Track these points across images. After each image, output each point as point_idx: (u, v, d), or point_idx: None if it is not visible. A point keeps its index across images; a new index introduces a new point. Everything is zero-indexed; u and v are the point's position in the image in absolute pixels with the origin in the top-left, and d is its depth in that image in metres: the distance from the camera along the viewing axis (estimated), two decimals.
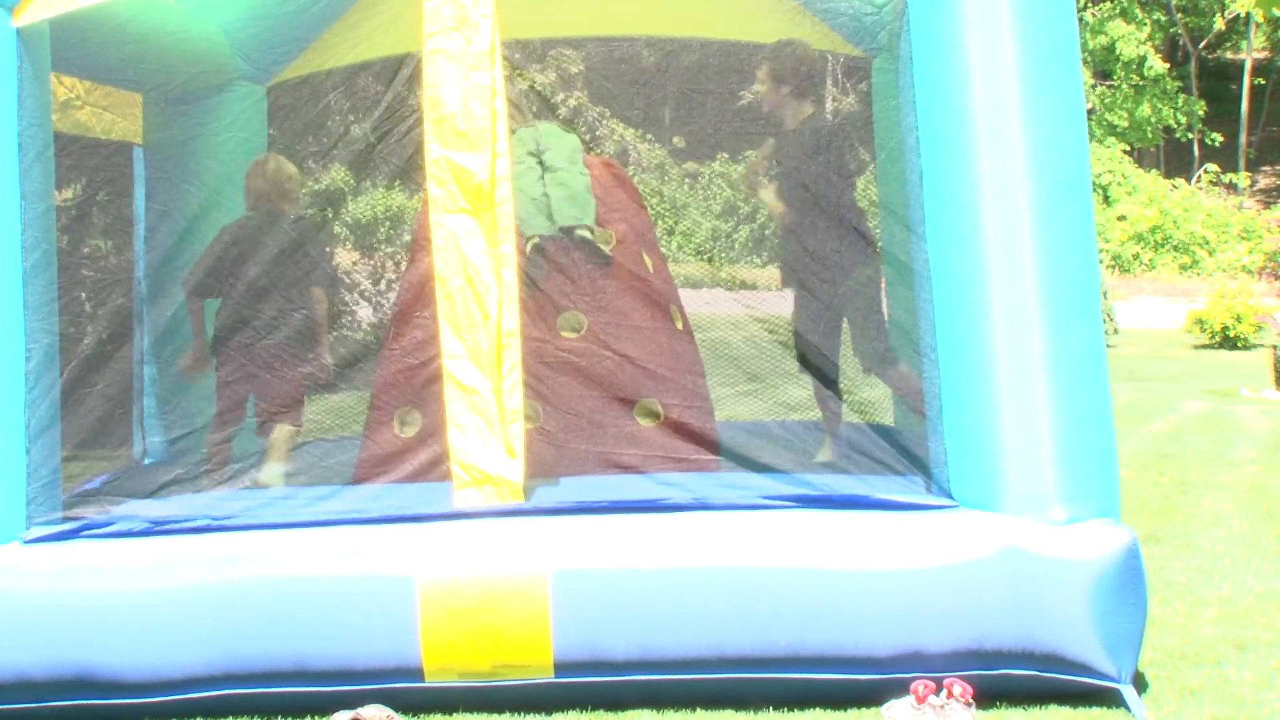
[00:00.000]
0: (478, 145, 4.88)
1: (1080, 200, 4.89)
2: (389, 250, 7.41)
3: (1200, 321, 22.03)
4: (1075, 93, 4.93)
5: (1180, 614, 5.82)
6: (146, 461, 6.18)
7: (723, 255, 7.16)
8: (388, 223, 7.49)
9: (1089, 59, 37.77)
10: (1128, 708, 4.57)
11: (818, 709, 4.67)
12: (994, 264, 4.76)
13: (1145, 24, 39.31)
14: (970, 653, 4.64)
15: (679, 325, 6.02)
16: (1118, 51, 38.82)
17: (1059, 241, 4.79)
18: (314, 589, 4.71)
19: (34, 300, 4.86)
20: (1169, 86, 39.56)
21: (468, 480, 4.88)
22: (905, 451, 5.10)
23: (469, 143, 4.88)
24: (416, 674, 4.70)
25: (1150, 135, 38.82)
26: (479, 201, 4.88)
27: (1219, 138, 39.63)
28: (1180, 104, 39.52)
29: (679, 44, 6.48)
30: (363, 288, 7.44)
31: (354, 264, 7.32)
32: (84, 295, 5.63)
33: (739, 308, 6.33)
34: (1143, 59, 38.74)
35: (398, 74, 5.45)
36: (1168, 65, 40.94)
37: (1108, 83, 39.44)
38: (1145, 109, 38.44)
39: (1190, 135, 40.26)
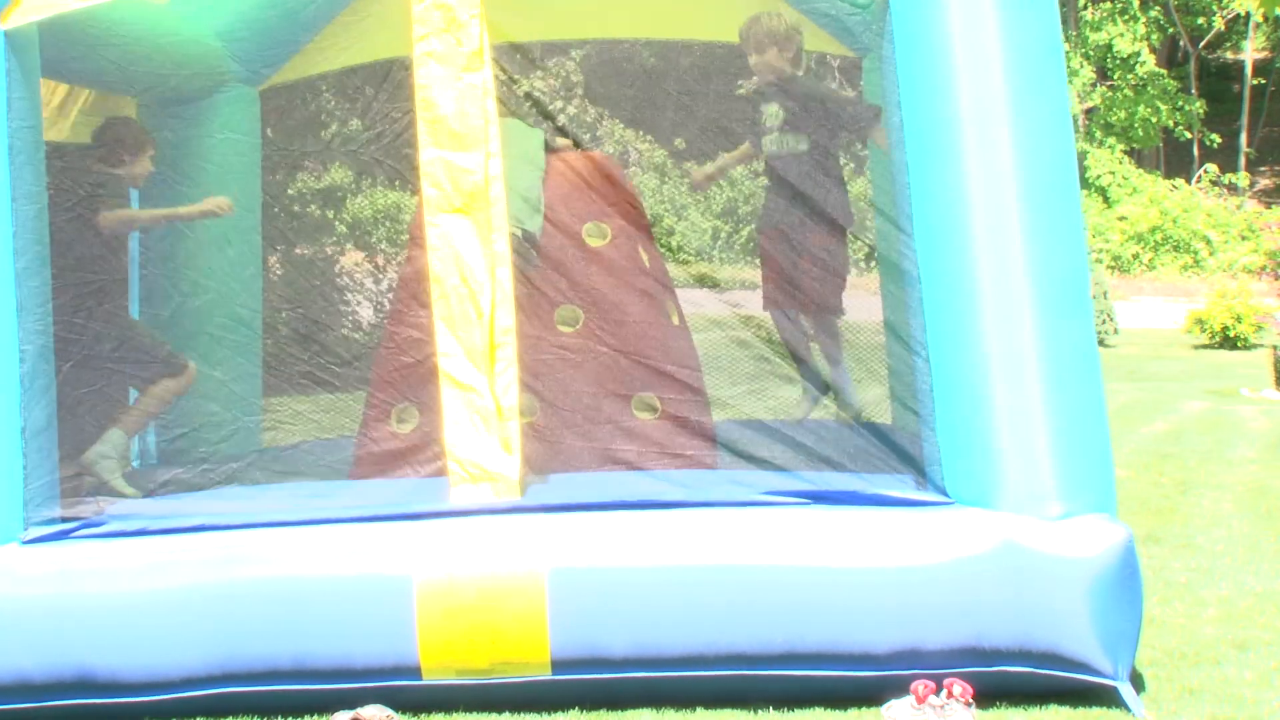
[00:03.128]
0: (472, 145, 4.89)
1: (1068, 196, 4.90)
2: (390, 250, 7.42)
3: (1200, 321, 22.01)
4: (1060, 89, 4.93)
5: (1180, 614, 5.81)
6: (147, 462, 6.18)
7: (723, 255, 7.16)
8: (388, 222, 7.51)
9: (1090, 54, 37.76)
10: (1126, 706, 4.57)
11: (817, 708, 4.66)
12: (983, 260, 4.76)
13: (1139, 18, 39.25)
14: (968, 650, 4.64)
15: (675, 320, 6.03)
16: (1115, 48, 38.80)
17: (1048, 237, 4.79)
18: (311, 588, 4.71)
19: (28, 302, 4.86)
20: (1169, 86, 39.54)
21: (464, 477, 4.88)
22: (899, 449, 5.10)
23: (463, 142, 4.89)
24: (414, 672, 4.70)
25: (1149, 136, 38.79)
26: (473, 201, 4.89)
27: (1217, 139, 39.63)
28: (1180, 104, 39.49)
29: (677, 45, 6.50)
30: (364, 287, 7.45)
31: (355, 264, 7.33)
32: (79, 296, 5.62)
33: (740, 308, 6.34)
34: (1136, 54, 38.71)
35: (389, 76, 5.46)
36: (1166, 66, 40.92)
37: (1108, 82, 39.42)
38: (1144, 110, 38.40)
39: (1190, 135, 40.25)
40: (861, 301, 6.24)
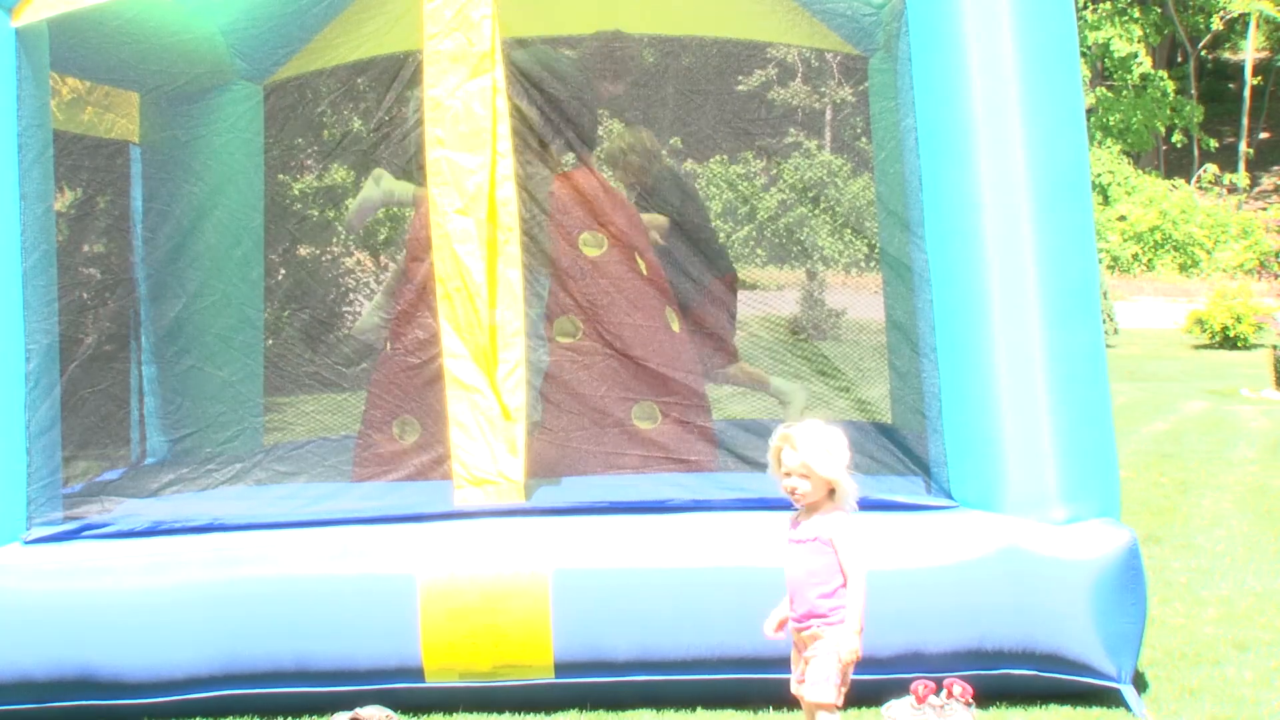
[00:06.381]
0: (478, 146, 4.88)
1: (1079, 199, 4.89)
2: (392, 250, 7.41)
3: (1200, 321, 22.05)
4: (1074, 92, 4.93)
5: (1180, 614, 5.82)
6: (148, 461, 6.17)
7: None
8: (389, 222, 7.49)
9: (1086, 52, 37.84)
10: (1128, 707, 4.57)
11: None
12: (993, 264, 4.76)
13: (1136, 19, 39.25)
14: (971, 652, 4.64)
15: (675, 327, 6.02)
16: (1112, 48, 38.83)
17: (1058, 241, 4.79)
18: (315, 588, 4.72)
19: (34, 301, 4.86)
20: (1167, 87, 39.52)
21: (468, 479, 4.88)
22: (906, 451, 5.10)
23: (469, 143, 4.88)
24: (417, 674, 4.70)
25: (1144, 140, 38.79)
26: (477, 202, 4.88)
27: (1213, 143, 39.64)
28: (1178, 107, 39.45)
29: (678, 43, 6.48)
30: (365, 286, 7.44)
31: (357, 263, 7.32)
32: (84, 295, 5.62)
33: (741, 307, 6.34)
34: (1133, 56, 38.72)
35: (398, 75, 5.44)
36: (1165, 66, 40.90)
37: (1107, 83, 39.42)
38: (1141, 115, 38.39)
39: (1187, 140, 40.27)
40: (864, 300, 6.24)
